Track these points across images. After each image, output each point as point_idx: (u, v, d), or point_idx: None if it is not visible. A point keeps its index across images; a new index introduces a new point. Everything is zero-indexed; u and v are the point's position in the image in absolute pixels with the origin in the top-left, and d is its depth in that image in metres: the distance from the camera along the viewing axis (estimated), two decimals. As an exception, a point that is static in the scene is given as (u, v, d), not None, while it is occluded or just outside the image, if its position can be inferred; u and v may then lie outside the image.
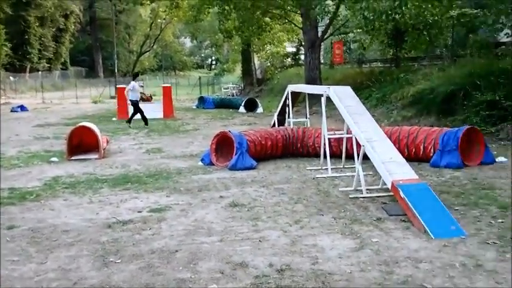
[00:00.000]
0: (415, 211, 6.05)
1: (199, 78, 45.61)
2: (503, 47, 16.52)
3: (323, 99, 9.62)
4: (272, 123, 14.88)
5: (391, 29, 19.47)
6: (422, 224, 5.85)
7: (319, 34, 23.63)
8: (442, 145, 9.58)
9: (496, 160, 9.86)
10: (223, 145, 10.64)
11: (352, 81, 21.62)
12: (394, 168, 7.04)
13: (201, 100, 28.47)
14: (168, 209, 7.18)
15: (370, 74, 22.89)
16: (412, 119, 15.96)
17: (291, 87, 12.99)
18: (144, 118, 18.50)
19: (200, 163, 10.64)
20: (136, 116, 18.49)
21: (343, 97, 9.01)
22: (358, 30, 22.18)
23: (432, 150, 9.79)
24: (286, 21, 27.31)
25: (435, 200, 6.36)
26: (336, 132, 9.83)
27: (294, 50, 37.83)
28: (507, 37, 16.11)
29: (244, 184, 8.69)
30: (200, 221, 6.58)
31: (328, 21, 22.58)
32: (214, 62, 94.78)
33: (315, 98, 16.36)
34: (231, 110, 25.78)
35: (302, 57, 35.13)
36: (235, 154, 9.99)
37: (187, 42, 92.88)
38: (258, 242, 5.72)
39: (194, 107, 28.31)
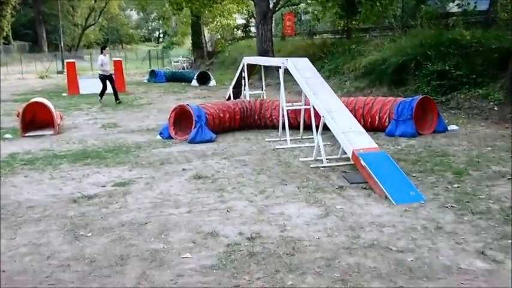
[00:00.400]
0: (376, 178, 6.27)
1: (149, 51, 44.82)
2: (454, 17, 16.93)
3: (281, 71, 9.72)
4: (227, 96, 14.91)
5: (343, 0, 19.63)
6: (384, 191, 6.08)
7: (271, 6, 23.62)
8: (397, 115, 9.87)
9: (448, 128, 10.25)
10: (181, 119, 10.63)
11: (304, 52, 21.72)
12: (354, 138, 7.25)
13: (152, 74, 28.07)
14: (132, 183, 7.18)
15: (322, 45, 23.10)
16: (365, 89, 16.28)
17: (247, 60, 13.00)
18: (102, 94, 18.06)
19: (158, 137, 10.62)
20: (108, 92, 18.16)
21: (301, 68, 9.14)
22: (310, 1, 22.23)
23: (387, 120, 10.07)
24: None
25: (394, 167, 6.60)
26: (293, 103, 9.97)
27: (244, 22, 37.64)
28: (458, 7, 16.55)
29: (205, 157, 8.75)
30: (166, 194, 6.63)
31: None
32: (162, 35, 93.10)
33: (268, 71, 16.52)
34: (183, 83, 25.55)
35: (253, 29, 35.13)
36: (194, 127, 10.02)
37: (134, 15, 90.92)
38: (225, 212, 5.83)
39: (145, 81, 27.90)
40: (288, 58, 9.82)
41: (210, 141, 9.98)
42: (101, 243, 5.03)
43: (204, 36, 36.88)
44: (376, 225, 5.20)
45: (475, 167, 7.34)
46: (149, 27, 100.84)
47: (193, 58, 38.12)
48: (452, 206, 5.68)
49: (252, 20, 35.26)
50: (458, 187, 6.40)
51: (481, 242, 4.66)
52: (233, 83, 14.45)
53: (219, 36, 37.20)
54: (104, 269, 4.43)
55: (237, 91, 14.42)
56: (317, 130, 8.52)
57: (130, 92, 22.10)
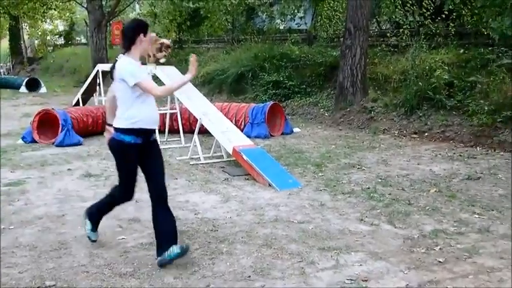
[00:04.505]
0: (259, 170, 7.31)
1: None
2: (292, 34, 18.88)
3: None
4: (74, 101, 14.95)
5: (190, 13, 20.65)
6: (267, 180, 7.14)
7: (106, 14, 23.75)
8: (252, 118, 11.09)
9: (294, 130, 11.74)
10: (43, 123, 10.70)
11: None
12: (232, 136, 8.26)
13: (-30, 79, 26.22)
14: (23, 183, 7.35)
15: (155, 55, 23.76)
16: (205, 97, 17.33)
17: (101, 67, 13.31)
18: None
19: (21, 141, 10.53)
20: None
21: (172, 75, 9.90)
22: (145, 12, 22.85)
23: (243, 123, 11.23)
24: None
25: (271, 160, 7.74)
26: (160, 108, 10.66)
27: (67, 29, 36.68)
28: (298, 26, 18.61)
29: (83, 158, 9.09)
30: (65, 190, 6.98)
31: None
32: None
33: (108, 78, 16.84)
34: (7, 90, 24.32)
35: (77, 36, 34.50)
36: (61, 131, 10.21)
37: None
38: (135, 202, 6.37)
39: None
40: (156, 66, 10.49)
41: (78, 144, 10.25)
42: (30, 233, 5.35)
43: (24, 42, 35.24)
44: (272, 206, 6.23)
45: (328, 160, 8.77)
46: None
47: (11, 64, 36.11)
48: (324, 189, 6.94)
49: (76, 27, 34.72)
50: (322, 175, 7.72)
51: (358, 213, 5.93)
52: (82, 89, 14.57)
53: (40, 43, 35.82)
54: (50, 252, 4.84)
55: (86, 97, 14.61)
56: (184, 133, 9.41)
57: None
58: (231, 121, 11.15)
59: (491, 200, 6.43)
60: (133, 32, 4.45)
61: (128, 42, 4.43)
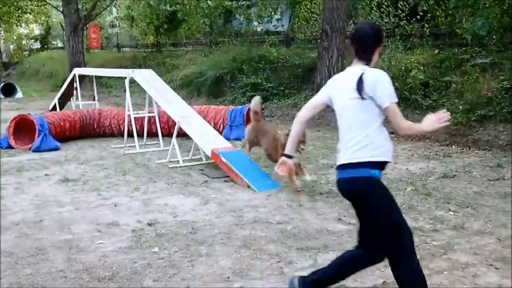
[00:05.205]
0: (238, 172, 7.34)
1: None
2: (270, 36, 18.94)
3: (127, 82, 10.34)
4: (51, 106, 14.83)
5: (167, 16, 20.63)
6: (246, 182, 7.17)
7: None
8: (230, 121, 11.12)
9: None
10: (19, 128, 10.61)
11: (116, 65, 22.17)
12: (211, 139, 8.28)
13: None
14: (-1, 189, 7.31)
15: (133, 58, 23.71)
16: (184, 100, 17.32)
17: (78, 71, 13.26)
18: None
19: (-4, 147, 10.46)
20: None
21: (149, 79, 9.89)
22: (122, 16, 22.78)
23: (222, 126, 11.25)
24: (43, 3, 26.46)
25: (250, 162, 7.78)
26: (139, 111, 10.65)
27: (43, 33, 36.34)
28: (274, 27, 18.68)
29: (60, 163, 9.03)
30: (42, 196, 6.93)
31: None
32: None
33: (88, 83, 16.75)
34: (-18, 95, 24.03)
35: (53, 40, 34.21)
36: (38, 136, 10.13)
37: None
38: (113, 206, 6.42)
39: None
40: (134, 69, 10.50)
41: (56, 149, 10.18)
42: (8, 239, 5.31)
43: (0, 47, 34.88)
44: (251, 207, 6.27)
45: (307, 161, 8.81)
46: None
47: (-14, 69, 35.72)
48: (303, 190, 6.99)
49: (52, 31, 34.45)
50: (301, 176, 7.76)
51: (336, 213, 5.99)
52: (59, 94, 14.46)
53: (15, 47, 35.47)
54: (28, 258, 4.81)
55: (63, 101, 14.51)
56: (163, 136, 9.43)
57: None
58: (210, 124, 11.18)
59: (466, 197, 6.54)
60: (376, 40, 3.56)
61: (369, 53, 3.55)
